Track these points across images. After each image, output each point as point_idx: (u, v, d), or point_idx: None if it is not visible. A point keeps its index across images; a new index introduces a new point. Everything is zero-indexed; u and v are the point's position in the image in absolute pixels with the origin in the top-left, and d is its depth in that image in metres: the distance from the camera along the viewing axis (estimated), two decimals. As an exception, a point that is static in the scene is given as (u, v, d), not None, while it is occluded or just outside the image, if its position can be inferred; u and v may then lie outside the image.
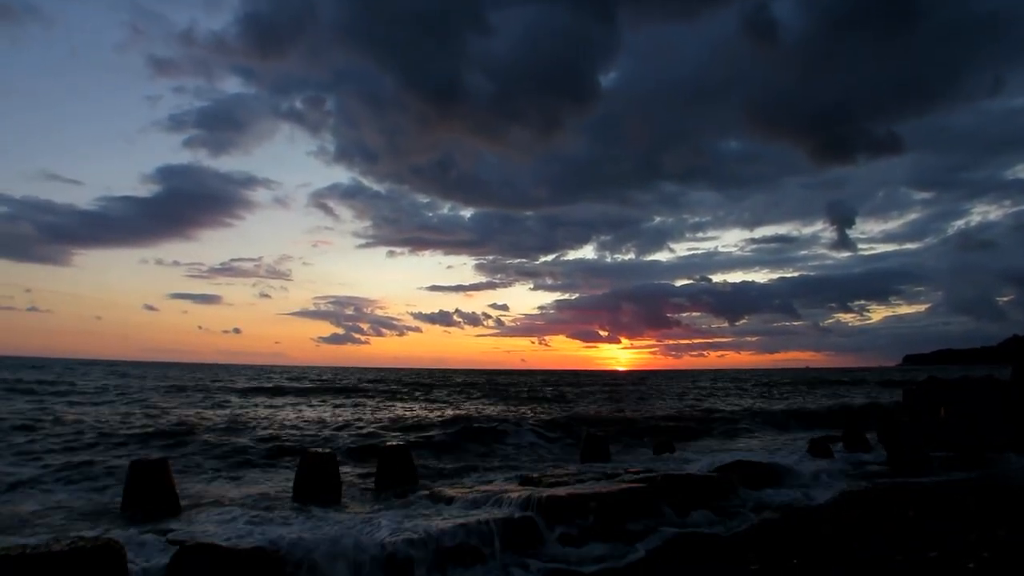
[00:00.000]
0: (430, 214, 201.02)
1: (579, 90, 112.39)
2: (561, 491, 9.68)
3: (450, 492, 10.33)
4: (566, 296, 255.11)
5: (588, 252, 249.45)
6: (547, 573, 7.22)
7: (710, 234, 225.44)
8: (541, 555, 7.74)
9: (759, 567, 6.91)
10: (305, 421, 23.63)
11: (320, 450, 12.44)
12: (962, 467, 14.34)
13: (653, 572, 7.23)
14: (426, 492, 10.79)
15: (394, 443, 13.05)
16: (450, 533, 7.66)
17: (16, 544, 6.33)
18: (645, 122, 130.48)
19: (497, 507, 8.97)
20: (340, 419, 24.27)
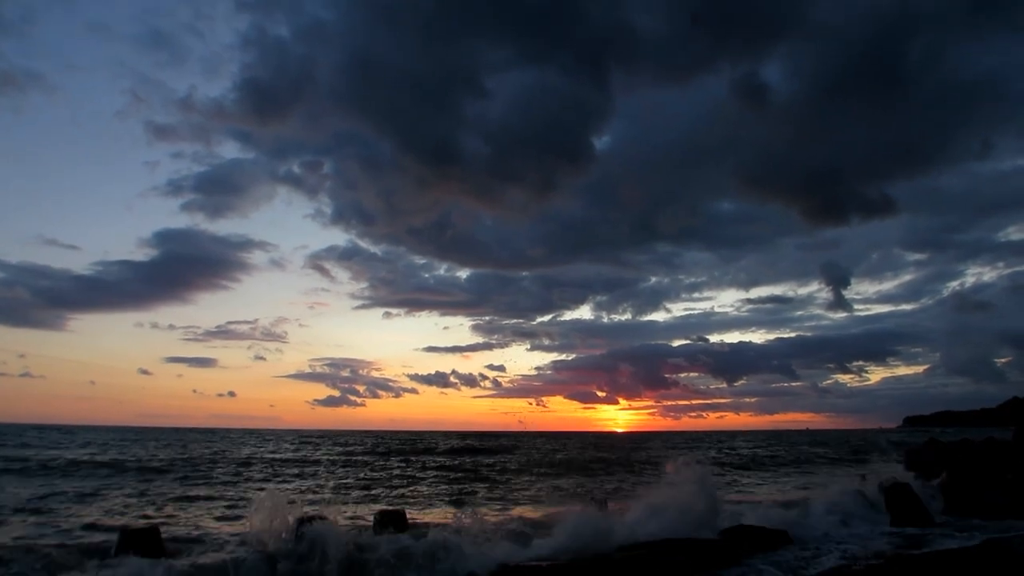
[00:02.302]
0: (426, 275, 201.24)
1: (574, 152, 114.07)
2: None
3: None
4: (563, 356, 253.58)
5: (584, 312, 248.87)
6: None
7: (706, 294, 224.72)
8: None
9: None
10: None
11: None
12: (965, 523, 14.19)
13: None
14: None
15: (390, 508, 12.76)
16: None
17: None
18: (639, 184, 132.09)
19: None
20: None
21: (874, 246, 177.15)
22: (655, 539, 11.36)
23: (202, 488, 22.18)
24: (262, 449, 48.33)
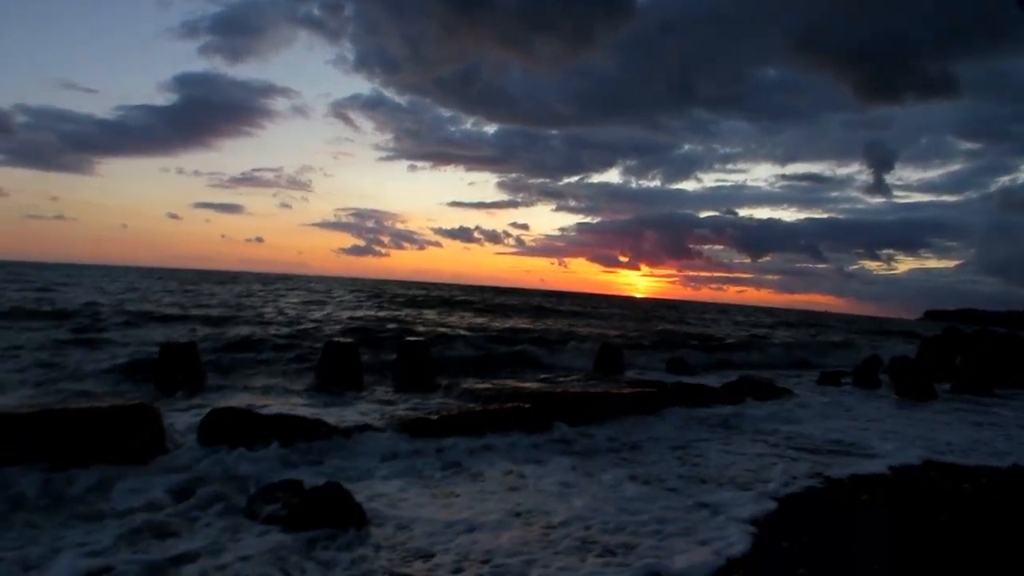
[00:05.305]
0: (453, 128, 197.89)
1: (611, 2, 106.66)
2: (575, 389, 10.02)
3: (470, 386, 10.66)
4: (588, 219, 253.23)
5: (613, 176, 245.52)
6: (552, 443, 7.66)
7: (740, 166, 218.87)
8: (547, 435, 8.11)
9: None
10: (324, 316, 24.25)
11: (342, 339, 12.79)
12: (968, 400, 14.55)
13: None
14: (445, 384, 11.15)
15: (414, 339, 13.35)
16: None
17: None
18: (679, 42, 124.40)
19: (513, 399, 9.29)
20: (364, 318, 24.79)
21: (925, 130, 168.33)
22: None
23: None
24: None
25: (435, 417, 8.04)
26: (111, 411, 6.41)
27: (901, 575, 4.47)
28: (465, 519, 5.13)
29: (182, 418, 7.90)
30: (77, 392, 10.20)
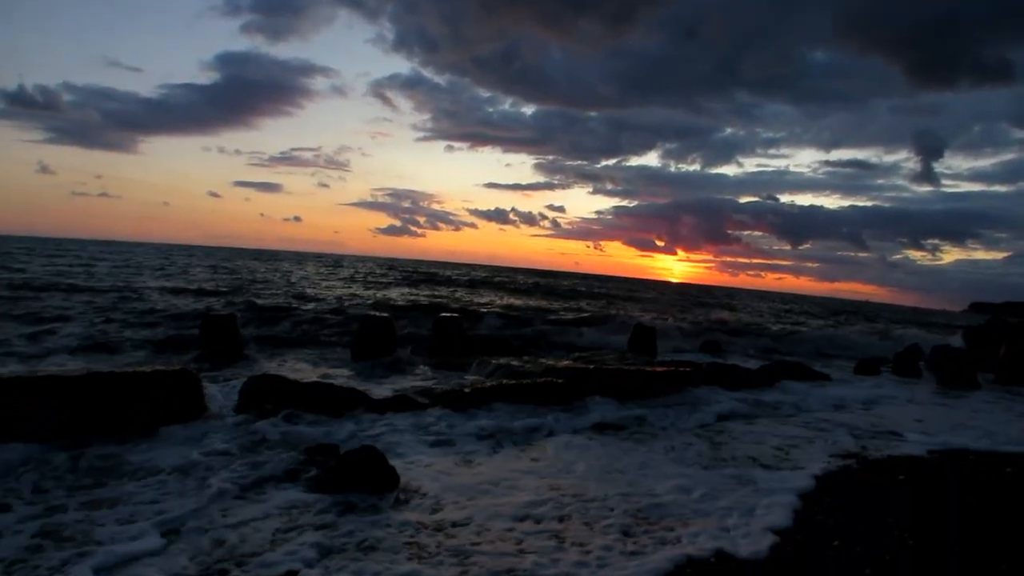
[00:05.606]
0: (491, 109, 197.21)
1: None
2: (609, 366, 9.99)
3: (503, 362, 10.69)
4: (625, 202, 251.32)
5: (652, 159, 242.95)
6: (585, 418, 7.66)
7: (783, 151, 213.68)
8: (581, 410, 8.11)
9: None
10: (360, 293, 24.52)
11: (378, 313, 12.93)
12: (1013, 390, 14.16)
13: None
14: (478, 360, 11.20)
15: (448, 314, 13.44)
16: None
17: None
18: (725, 21, 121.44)
19: (546, 375, 9.31)
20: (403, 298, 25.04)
21: (979, 117, 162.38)
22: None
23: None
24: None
25: (469, 390, 8.10)
26: (154, 375, 6.59)
27: (936, 550, 4.40)
28: (496, 488, 5.15)
29: (222, 386, 8.10)
30: (120, 364, 10.50)
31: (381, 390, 8.50)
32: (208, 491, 4.69)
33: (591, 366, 9.72)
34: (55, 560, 3.58)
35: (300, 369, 10.66)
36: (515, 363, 10.57)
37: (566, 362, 10.53)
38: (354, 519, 4.39)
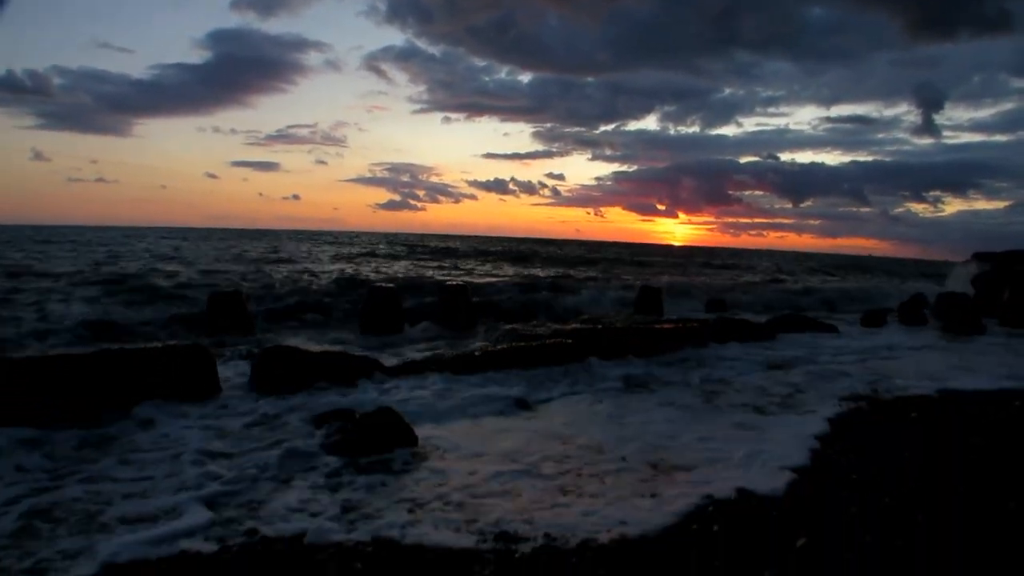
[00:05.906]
0: (487, 78, 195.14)
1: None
2: (618, 326, 10.04)
3: (510, 328, 10.71)
4: (624, 167, 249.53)
5: (650, 123, 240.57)
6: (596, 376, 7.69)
7: (782, 109, 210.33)
8: (591, 369, 8.16)
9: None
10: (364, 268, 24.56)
11: (384, 285, 12.95)
12: (1017, 333, 14.19)
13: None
14: (485, 328, 11.25)
15: (454, 283, 13.46)
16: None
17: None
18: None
19: (553, 338, 9.34)
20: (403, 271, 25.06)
21: (978, 67, 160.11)
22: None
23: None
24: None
25: (479, 353, 8.14)
26: (166, 350, 6.62)
27: (948, 480, 4.46)
28: (510, 448, 5.19)
29: (233, 361, 8.15)
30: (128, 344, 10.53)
31: (392, 359, 8.55)
32: (232, 463, 4.73)
33: (599, 326, 9.75)
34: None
35: (311, 341, 10.69)
36: (523, 328, 10.61)
37: (573, 324, 10.56)
38: (375, 477, 4.45)
